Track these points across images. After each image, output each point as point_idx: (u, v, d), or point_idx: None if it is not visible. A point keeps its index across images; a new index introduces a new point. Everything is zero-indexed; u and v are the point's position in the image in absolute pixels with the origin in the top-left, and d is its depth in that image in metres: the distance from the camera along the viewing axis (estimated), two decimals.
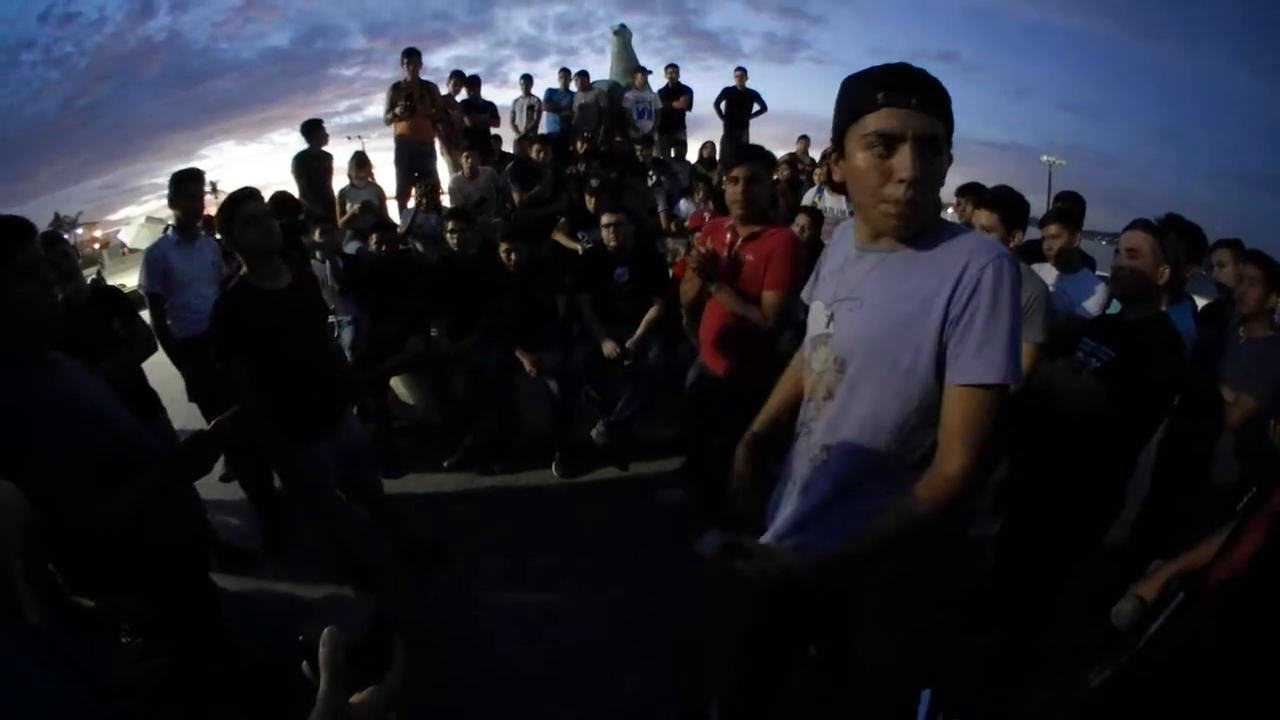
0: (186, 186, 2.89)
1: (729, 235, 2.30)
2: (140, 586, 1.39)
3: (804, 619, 1.37)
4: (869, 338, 1.06)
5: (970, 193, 3.14)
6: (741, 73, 6.99)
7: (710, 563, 1.02)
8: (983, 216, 2.15)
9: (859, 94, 0.97)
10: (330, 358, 2.24)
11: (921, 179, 0.94)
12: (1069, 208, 2.91)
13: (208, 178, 3.27)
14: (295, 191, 5.08)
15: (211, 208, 3.60)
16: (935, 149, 0.95)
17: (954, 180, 3.64)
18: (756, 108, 7.02)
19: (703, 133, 6.92)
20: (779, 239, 2.22)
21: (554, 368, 3.28)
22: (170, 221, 3.13)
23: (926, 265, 1.00)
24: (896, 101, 0.93)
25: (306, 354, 2.05)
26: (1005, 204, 2.13)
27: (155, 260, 2.83)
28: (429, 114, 5.37)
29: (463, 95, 6.03)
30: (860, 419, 1.09)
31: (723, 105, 6.92)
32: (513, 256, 3.26)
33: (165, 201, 2.96)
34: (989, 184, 3.02)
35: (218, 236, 3.31)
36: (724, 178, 2.43)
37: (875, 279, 1.06)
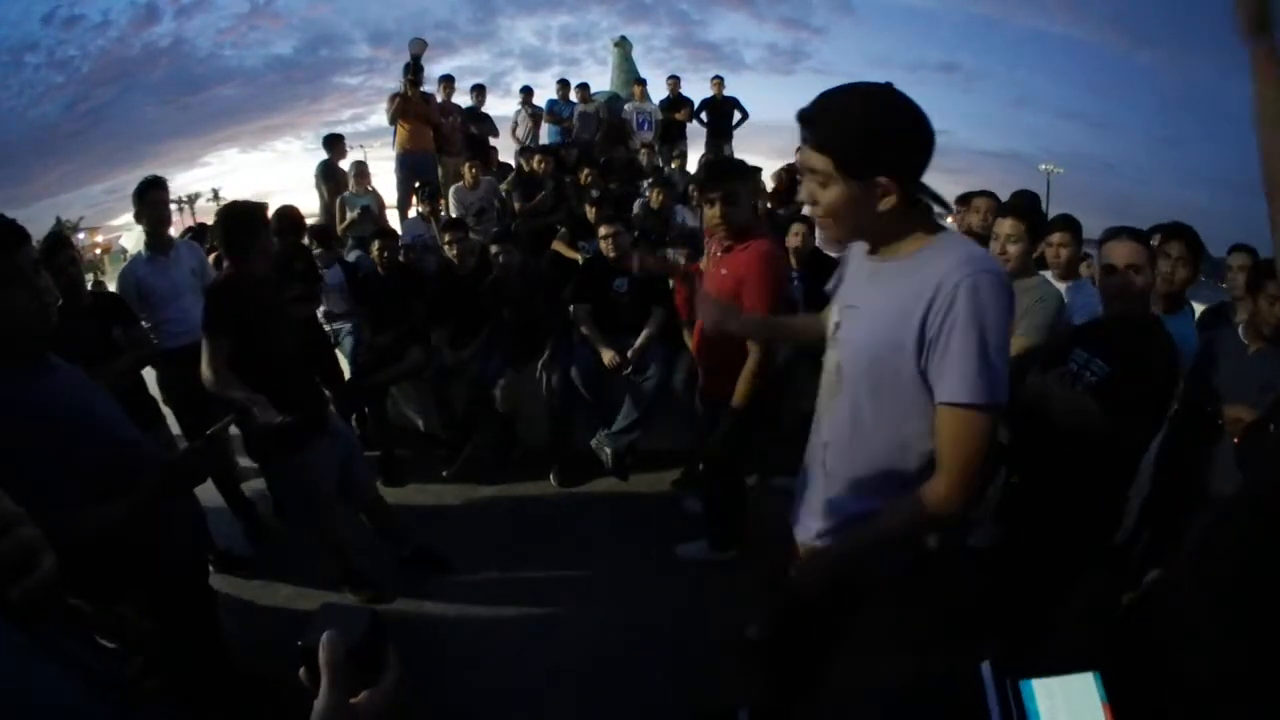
0: (151, 195, 2.73)
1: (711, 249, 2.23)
2: (138, 594, 1.38)
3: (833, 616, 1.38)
4: (862, 348, 1.08)
5: (964, 201, 3.06)
6: (718, 81, 6.74)
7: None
8: (1006, 225, 2.07)
9: None
10: (317, 358, 2.25)
11: (811, 205, 1.01)
12: (1071, 216, 2.89)
13: (210, 185, 3.28)
14: (317, 198, 5.18)
15: (209, 214, 3.61)
16: (821, 181, 0.97)
17: (954, 189, 3.59)
18: (738, 116, 6.82)
19: (703, 143, 6.89)
20: (752, 255, 2.07)
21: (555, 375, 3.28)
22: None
23: (909, 278, 1.00)
24: (803, 136, 0.98)
25: (292, 348, 2.07)
26: (1030, 212, 2.10)
27: (127, 284, 2.70)
28: (426, 114, 5.38)
29: (467, 102, 6.08)
30: (854, 422, 1.11)
31: (703, 115, 6.77)
32: (501, 259, 3.28)
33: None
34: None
35: (204, 244, 3.34)
36: (700, 198, 2.28)
37: (871, 289, 1.08)
